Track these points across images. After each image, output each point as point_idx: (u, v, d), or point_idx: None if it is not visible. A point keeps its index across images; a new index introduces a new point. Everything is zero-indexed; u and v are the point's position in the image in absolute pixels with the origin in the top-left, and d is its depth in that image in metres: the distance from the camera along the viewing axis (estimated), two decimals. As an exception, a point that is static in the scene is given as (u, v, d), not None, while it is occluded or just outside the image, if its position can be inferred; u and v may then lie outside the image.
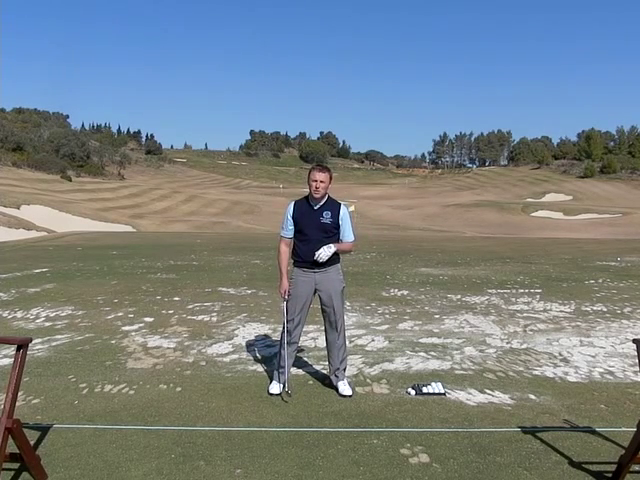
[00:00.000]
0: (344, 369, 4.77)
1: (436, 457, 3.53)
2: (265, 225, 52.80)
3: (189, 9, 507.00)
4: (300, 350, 5.50)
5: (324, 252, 4.44)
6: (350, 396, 4.57)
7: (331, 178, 4.54)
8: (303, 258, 4.55)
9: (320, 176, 4.45)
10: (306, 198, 4.62)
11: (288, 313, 4.63)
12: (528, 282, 11.18)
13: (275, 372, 4.75)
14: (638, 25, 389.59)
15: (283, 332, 4.70)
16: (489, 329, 7.00)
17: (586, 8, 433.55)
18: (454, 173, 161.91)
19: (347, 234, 4.61)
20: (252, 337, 6.57)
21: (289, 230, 4.63)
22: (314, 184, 4.46)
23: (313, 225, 4.51)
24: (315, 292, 4.63)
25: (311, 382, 4.98)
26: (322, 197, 4.53)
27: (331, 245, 4.48)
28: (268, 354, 5.81)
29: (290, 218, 4.60)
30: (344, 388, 4.64)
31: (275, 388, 4.65)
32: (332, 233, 4.55)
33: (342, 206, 4.62)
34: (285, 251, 4.67)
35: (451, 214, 74.98)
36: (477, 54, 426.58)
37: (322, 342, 5.49)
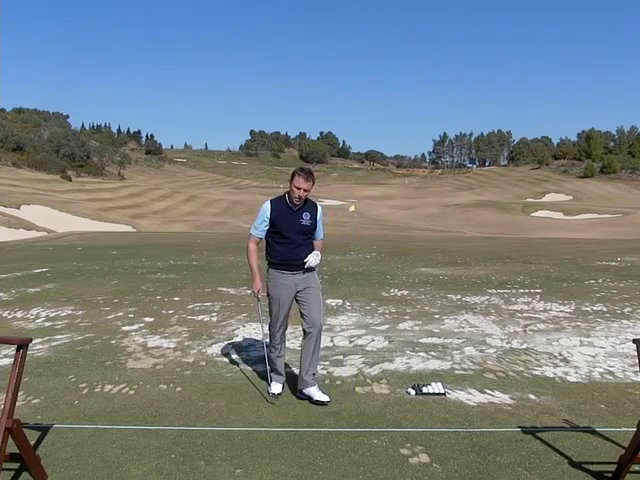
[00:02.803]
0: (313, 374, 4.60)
1: (436, 457, 3.53)
2: (265, 225, 52.67)
3: (189, 9, 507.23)
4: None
5: (314, 259, 4.48)
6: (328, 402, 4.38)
7: (313, 183, 4.49)
8: (283, 261, 4.49)
9: (306, 185, 4.38)
10: (283, 198, 4.54)
11: (272, 317, 4.61)
12: (528, 282, 11.18)
13: (272, 374, 4.73)
14: (638, 24, 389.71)
15: (270, 334, 4.69)
16: (489, 329, 7.00)
17: (586, 8, 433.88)
18: (454, 173, 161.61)
19: (319, 233, 4.66)
20: (252, 337, 6.57)
21: (262, 231, 4.56)
22: (298, 192, 4.38)
23: (293, 227, 4.46)
24: (296, 294, 4.58)
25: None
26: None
27: (317, 252, 4.53)
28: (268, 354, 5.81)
29: (267, 219, 4.51)
30: (318, 394, 4.46)
31: (275, 388, 4.65)
32: (310, 234, 4.56)
33: (319, 206, 4.63)
34: (255, 250, 4.63)
35: (451, 214, 74.93)
36: (477, 54, 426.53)
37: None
